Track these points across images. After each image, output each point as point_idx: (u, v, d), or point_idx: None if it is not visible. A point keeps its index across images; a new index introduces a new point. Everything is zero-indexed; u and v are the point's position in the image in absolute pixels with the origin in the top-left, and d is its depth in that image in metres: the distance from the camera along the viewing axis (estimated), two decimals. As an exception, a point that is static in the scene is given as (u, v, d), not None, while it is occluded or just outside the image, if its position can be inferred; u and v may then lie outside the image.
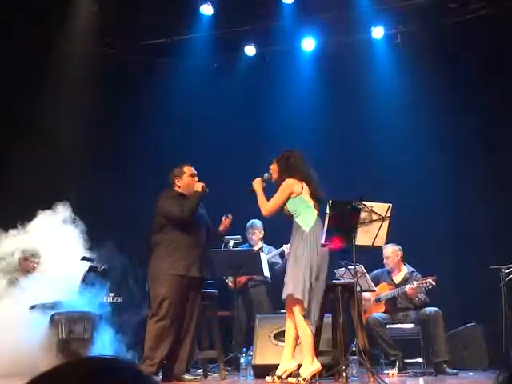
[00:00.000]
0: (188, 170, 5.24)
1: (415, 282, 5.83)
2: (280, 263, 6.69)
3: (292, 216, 4.84)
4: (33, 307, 5.51)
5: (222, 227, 5.30)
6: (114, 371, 0.94)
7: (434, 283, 5.73)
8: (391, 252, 6.12)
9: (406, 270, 6.16)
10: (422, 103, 7.58)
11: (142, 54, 8.09)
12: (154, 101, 7.91)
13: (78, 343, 5.29)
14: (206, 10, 7.70)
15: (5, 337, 5.13)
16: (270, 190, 4.97)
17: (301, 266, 4.69)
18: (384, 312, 6.05)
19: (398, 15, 7.66)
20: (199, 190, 5.08)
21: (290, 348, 4.80)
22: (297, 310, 4.69)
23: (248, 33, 7.94)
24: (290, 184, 4.83)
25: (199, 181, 5.18)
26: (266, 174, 5.00)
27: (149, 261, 5.09)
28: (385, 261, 6.18)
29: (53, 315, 5.38)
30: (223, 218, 5.28)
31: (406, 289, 5.85)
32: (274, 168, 4.99)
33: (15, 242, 5.91)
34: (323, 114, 7.82)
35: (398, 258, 6.15)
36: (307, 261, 4.68)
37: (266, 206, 4.87)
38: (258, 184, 4.94)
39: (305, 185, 4.84)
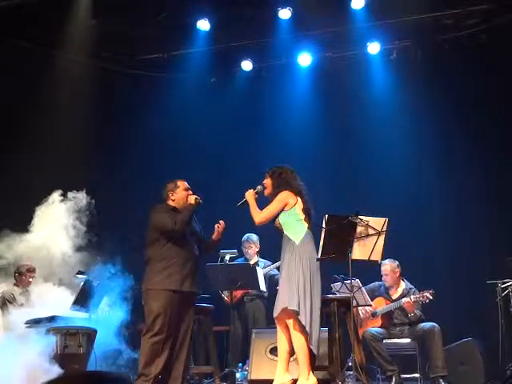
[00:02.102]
0: (181, 184, 5.25)
1: (412, 297, 5.82)
2: (278, 274, 6.67)
3: (282, 229, 4.84)
4: (28, 322, 5.48)
5: (215, 235, 5.28)
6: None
7: (431, 297, 5.72)
8: (390, 269, 6.07)
9: (404, 285, 6.13)
10: (417, 118, 7.62)
11: (139, 68, 8.13)
12: (150, 115, 7.93)
13: (74, 358, 5.25)
14: (203, 25, 7.75)
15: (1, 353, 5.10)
16: (262, 203, 4.97)
17: (294, 280, 4.67)
18: (380, 326, 6.03)
19: (394, 31, 7.72)
20: (192, 202, 5.10)
21: (283, 362, 4.77)
22: (291, 323, 4.66)
23: (244, 48, 8.00)
24: (287, 196, 4.85)
25: (193, 194, 5.19)
26: (259, 187, 5.02)
27: (142, 276, 5.08)
28: (384, 278, 6.13)
29: (48, 329, 5.35)
30: (216, 225, 5.27)
31: (403, 302, 5.84)
32: (267, 182, 5.01)
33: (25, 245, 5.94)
34: (319, 129, 7.85)
35: (397, 274, 6.11)
36: (300, 273, 4.67)
37: (260, 214, 4.88)
38: (250, 195, 4.96)
39: (299, 199, 4.86)
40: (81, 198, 6.19)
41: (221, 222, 5.26)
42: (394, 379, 5.68)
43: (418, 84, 7.63)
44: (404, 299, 5.85)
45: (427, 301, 5.77)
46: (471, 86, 7.33)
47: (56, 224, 6.04)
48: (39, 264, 6.06)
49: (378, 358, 5.75)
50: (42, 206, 6.09)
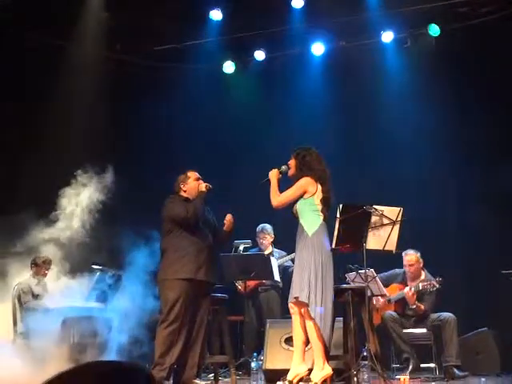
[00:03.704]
0: (192, 174, 5.28)
1: (413, 288, 5.78)
2: (293, 266, 6.67)
3: (298, 217, 4.84)
4: (46, 311, 5.54)
5: (226, 225, 5.29)
6: (127, 375, 0.95)
7: (437, 285, 5.69)
8: (415, 260, 6.03)
9: (423, 276, 6.07)
10: (431, 106, 7.55)
11: (152, 59, 8.13)
12: (164, 106, 7.94)
13: (90, 348, 5.30)
14: (215, 15, 7.73)
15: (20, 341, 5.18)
16: (283, 184, 4.95)
17: (306, 270, 4.67)
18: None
19: (408, 19, 7.65)
20: (203, 189, 5.12)
21: (299, 352, 4.78)
22: (304, 312, 4.68)
23: (257, 37, 7.96)
24: (306, 183, 4.81)
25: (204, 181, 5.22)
26: (283, 166, 4.96)
27: (158, 267, 5.12)
28: (408, 267, 6.07)
29: (64, 319, 5.41)
30: (224, 221, 5.28)
31: (405, 291, 5.82)
32: (292, 163, 4.97)
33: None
34: (332, 118, 7.82)
35: (421, 265, 6.08)
36: (312, 265, 4.67)
37: (278, 198, 4.85)
38: (273, 175, 4.92)
39: (319, 186, 4.82)
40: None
41: (227, 217, 5.26)
42: (411, 363, 5.68)
43: (433, 72, 7.56)
44: (406, 288, 5.83)
45: (434, 289, 5.74)
46: (487, 74, 7.25)
47: (80, 206, 6.08)
48: (59, 248, 6.10)
49: (396, 338, 5.75)
50: (64, 189, 6.11)
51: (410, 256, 6.00)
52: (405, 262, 6.07)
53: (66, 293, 5.74)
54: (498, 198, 6.97)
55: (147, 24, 7.68)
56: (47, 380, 0.93)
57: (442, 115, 7.47)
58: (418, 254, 6.07)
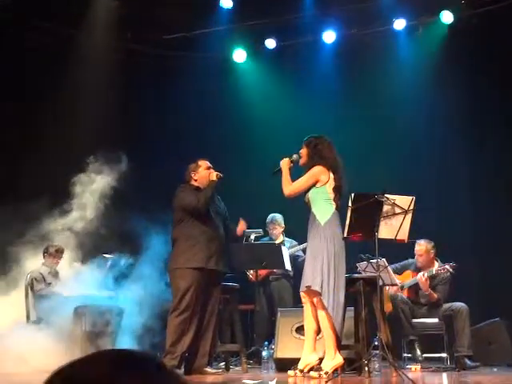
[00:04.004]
0: (203, 163, 5.28)
1: (426, 274, 5.74)
2: (303, 256, 6.66)
3: (310, 206, 4.82)
4: (58, 299, 5.57)
5: (239, 228, 5.35)
6: (138, 363, 0.94)
7: (451, 270, 5.66)
8: (424, 250, 5.96)
9: (436, 266, 6.02)
10: (443, 93, 7.48)
11: (162, 48, 8.11)
12: (174, 94, 7.92)
13: (102, 336, 5.33)
14: (226, 3, 7.69)
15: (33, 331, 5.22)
16: (295, 173, 4.94)
17: (318, 259, 4.66)
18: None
19: (420, 6, 7.57)
20: (214, 178, 5.11)
21: (310, 341, 4.77)
22: (316, 301, 4.67)
23: (268, 26, 7.91)
24: (319, 172, 4.79)
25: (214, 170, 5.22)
26: (294, 155, 4.94)
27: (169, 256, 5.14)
28: (417, 257, 6.02)
29: (77, 308, 5.44)
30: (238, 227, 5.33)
31: (418, 277, 5.79)
32: (303, 152, 4.95)
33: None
34: (344, 106, 7.77)
35: (431, 256, 6.00)
36: (325, 254, 4.66)
37: (290, 187, 4.84)
38: (285, 164, 4.90)
39: (331, 175, 4.80)
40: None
41: (240, 224, 5.30)
42: (417, 349, 5.67)
43: (445, 59, 7.49)
44: (420, 274, 5.79)
45: (447, 274, 5.71)
46: (500, 62, 7.16)
47: (93, 194, 6.10)
48: (72, 236, 6.12)
49: (403, 320, 5.74)
50: (77, 177, 6.12)
51: (420, 246, 5.95)
52: (415, 252, 6.04)
53: (78, 281, 5.77)
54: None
55: (157, 13, 7.65)
56: (58, 368, 0.93)
57: (454, 102, 7.40)
58: (430, 245, 5.96)
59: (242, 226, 5.35)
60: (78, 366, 0.93)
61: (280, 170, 4.90)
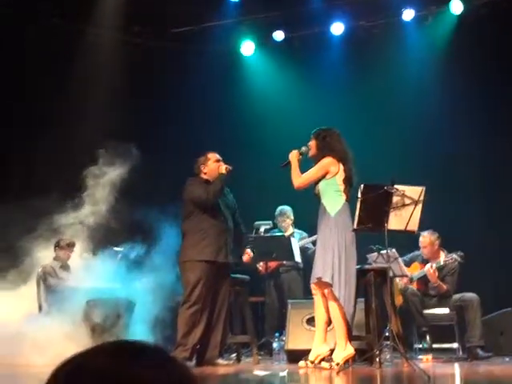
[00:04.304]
0: (212, 156, 5.28)
1: (434, 265, 5.73)
2: (312, 248, 6.66)
3: (320, 197, 4.81)
4: (69, 292, 5.60)
5: (245, 259, 5.56)
6: (148, 354, 0.94)
7: (459, 259, 5.64)
8: (428, 242, 5.93)
9: (443, 256, 6.00)
10: (453, 82, 7.43)
11: (170, 41, 8.10)
12: (181, 88, 7.92)
13: (112, 329, 5.36)
14: (234, -5, 7.67)
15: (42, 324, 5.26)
16: (304, 166, 4.93)
17: (329, 251, 4.66)
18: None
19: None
20: (223, 171, 5.12)
21: (320, 332, 4.79)
22: (327, 292, 4.67)
23: (276, 18, 7.89)
24: (328, 163, 4.79)
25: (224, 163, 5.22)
26: (303, 148, 4.94)
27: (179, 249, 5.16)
28: (422, 249, 6.01)
29: (88, 301, 5.47)
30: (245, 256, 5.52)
31: (426, 270, 5.77)
32: (312, 144, 4.95)
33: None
34: (352, 97, 7.74)
35: (436, 247, 5.97)
36: (335, 245, 4.66)
37: (299, 179, 4.85)
38: (293, 156, 4.91)
39: (341, 166, 4.79)
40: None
41: (246, 255, 5.51)
42: (428, 339, 5.67)
43: (455, 50, 7.43)
44: (427, 265, 5.77)
45: (455, 263, 5.69)
46: (510, 51, 7.10)
47: (104, 185, 6.12)
48: (83, 228, 6.15)
49: (414, 312, 5.74)
50: (88, 169, 6.14)
51: (424, 238, 5.91)
52: (420, 244, 6.02)
53: (89, 273, 5.80)
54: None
55: (164, 6, 7.63)
56: (64, 360, 0.93)
57: (464, 92, 7.35)
58: (435, 236, 5.92)
59: (247, 258, 5.54)
60: (84, 357, 0.93)
61: (289, 163, 4.90)
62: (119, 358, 0.91)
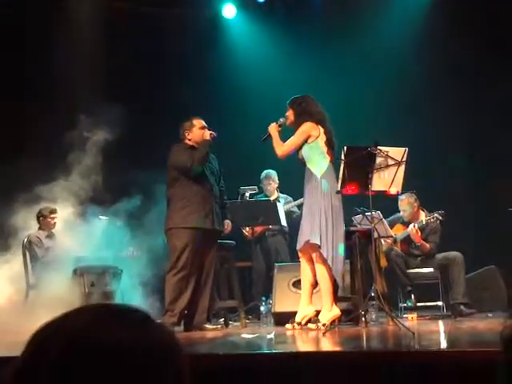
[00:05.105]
0: (198, 122, 5.24)
1: (416, 225, 5.79)
2: (298, 212, 6.68)
3: (305, 162, 4.83)
4: (56, 262, 5.60)
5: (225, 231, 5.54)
6: (124, 314, 0.94)
7: (440, 217, 5.71)
8: (407, 204, 5.99)
9: (422, 217, 6.06)
10: (442, 43, 7.38)
11: (148, 5, 7.93)
12: (162, 52, 7.79)
13: (100, 296, 5.38)
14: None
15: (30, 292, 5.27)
16: (284, 136, 4.94)
17: (316, 213, 4.69)
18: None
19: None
20: (208, 138, 5.10)
21: (306, 294, 4.85)
22: (315, 256, 4.72)
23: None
24: (309, 127, 4.81)
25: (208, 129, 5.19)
26: (281, 119, 4.99)
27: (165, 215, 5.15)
28: (402, 213, 6.08)
29: (75, 269, 5.48)
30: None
31: (409, 230, 5.83)
32: (289, 113, 4.97)
33: None
34: (338, 57, 7.58)
35: (415, 209, 6.04)
36: (322, 207, 4.69)
37: (282, 147, 4.88)
38: (273, 128, 4.95)
39: (321, 129, 4.82)
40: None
41: (227, 226, 5.47)
42: (412, 298, 5.79)
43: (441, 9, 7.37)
44: (410, 226, 5.84)
45: (437, 222, 5.76)
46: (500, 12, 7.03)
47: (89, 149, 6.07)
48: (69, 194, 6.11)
49: (399, 272, 5.82)
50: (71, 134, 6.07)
51: (402, 201, 5.98)
52: (399, 207, 6.07)
53: (75, 241, 5.79)
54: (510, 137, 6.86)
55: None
56: (44, 323, 0.93)
57: (443, 52, 7.31)
58: (412, 198, 5.96)
59: (228, 229, 5.54)
60: (63, 319, 0.93)
61: (269, 136, 4.93)
62: (99, 320, 0.91)
